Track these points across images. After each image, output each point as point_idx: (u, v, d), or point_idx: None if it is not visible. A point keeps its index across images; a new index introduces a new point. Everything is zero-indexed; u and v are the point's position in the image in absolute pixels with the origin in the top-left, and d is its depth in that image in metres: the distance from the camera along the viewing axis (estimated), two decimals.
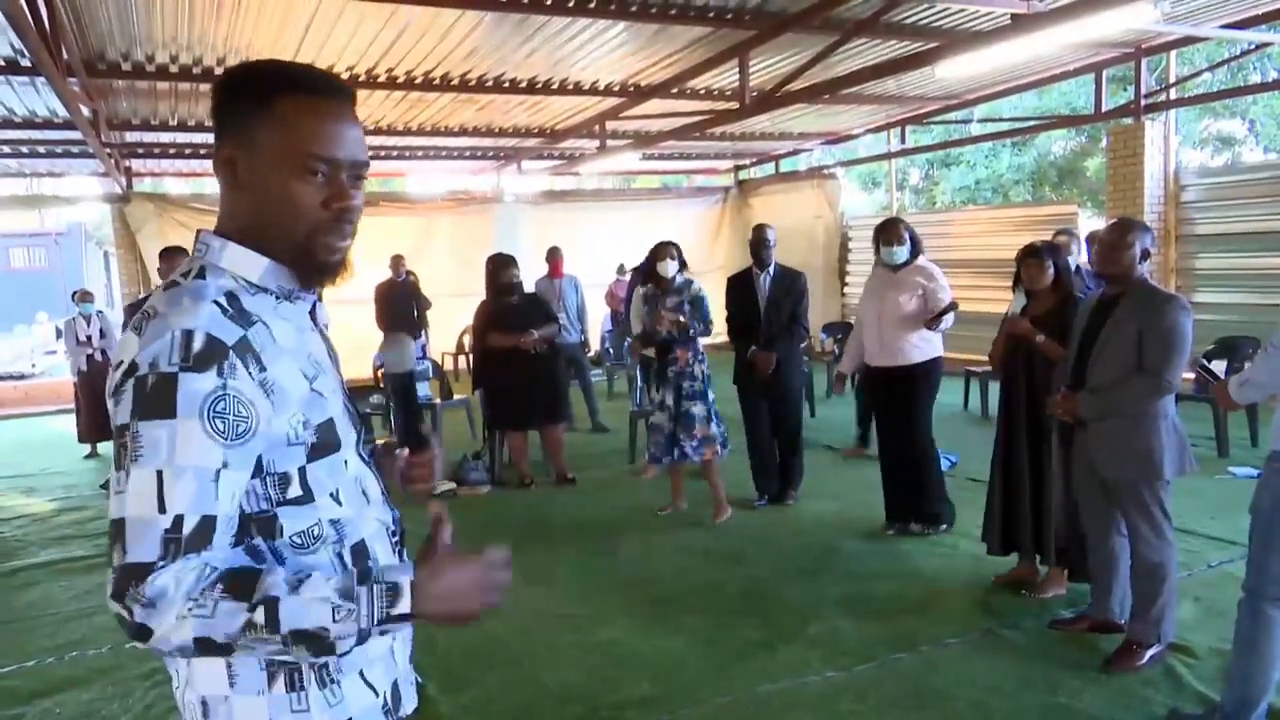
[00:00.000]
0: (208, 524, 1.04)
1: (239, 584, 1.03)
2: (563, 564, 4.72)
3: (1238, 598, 2.69)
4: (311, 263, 1.19)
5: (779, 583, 4.29)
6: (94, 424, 7.88)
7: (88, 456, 8.16)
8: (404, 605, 1.07)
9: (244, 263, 1.17)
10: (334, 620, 1.04)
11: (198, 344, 1.05)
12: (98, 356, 7.86)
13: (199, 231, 1.22)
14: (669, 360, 5.19)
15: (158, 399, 1.03)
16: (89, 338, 7.94)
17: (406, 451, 1.38)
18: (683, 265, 5.38)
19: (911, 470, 4.82)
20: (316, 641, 1.04)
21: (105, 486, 6.78)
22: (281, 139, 1.13)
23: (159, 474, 1.02)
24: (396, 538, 1.34)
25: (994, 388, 6.63)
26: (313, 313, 1.27)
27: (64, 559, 5.18)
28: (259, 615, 1.02)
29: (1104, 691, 3.09)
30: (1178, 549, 3.28)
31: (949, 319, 4.66)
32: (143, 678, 3.52)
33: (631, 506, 5.71)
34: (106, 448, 8.15)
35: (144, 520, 1.02)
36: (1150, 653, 3.23)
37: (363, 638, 1.07)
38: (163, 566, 1.01)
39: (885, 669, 3.36)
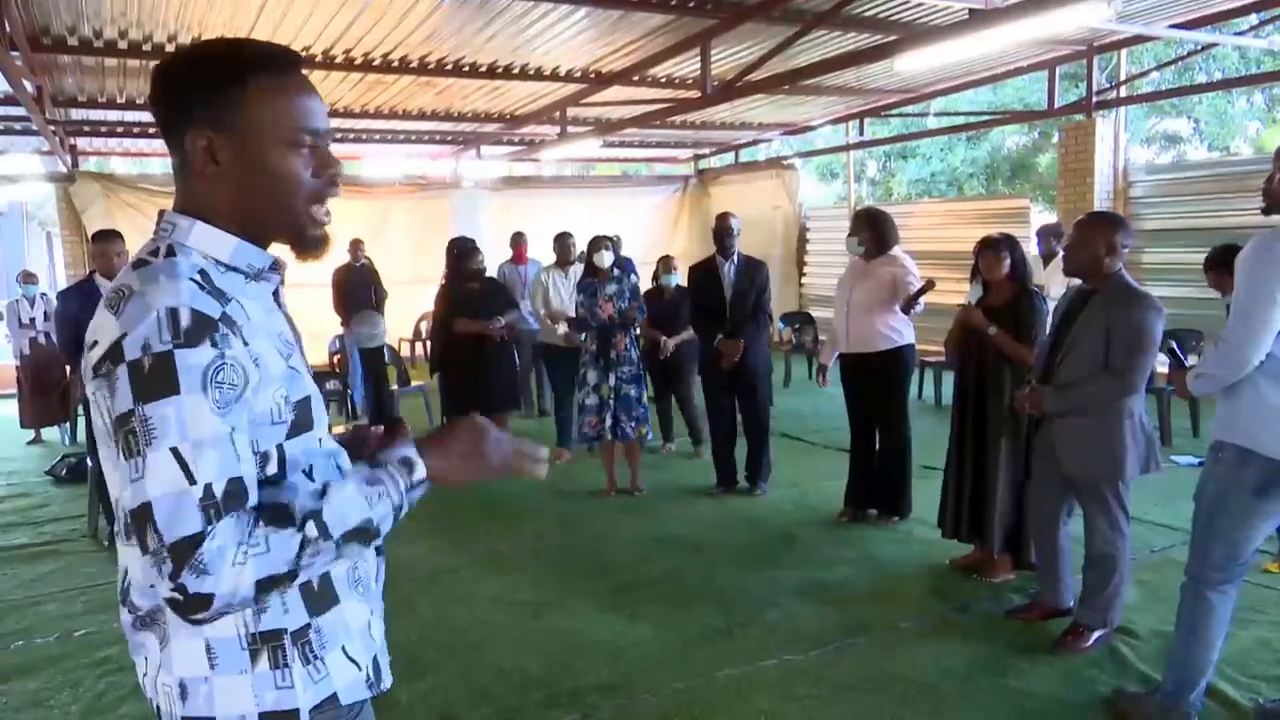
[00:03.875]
0: (237, 484, 1.05)
1: (275, 515, 1.06)
2: (521, 551, 4.72)
3: (1180, 582, 2.78)
4: (305, 235, 1.23)
5: (736, 569, 4.34)
6: (37, 409, 7.68)
7: (31, 442, 7.94)
8: (420, 472, 1.18)
9: (213, 242, 1.17)
10: (371, 508, 1.13)
11: (185, 320, 1.05)
12: (41, 340, 7.65)
13: (162, 212, 1.21)
14: (609, 345, 5.39)
15: (158, 379, 1.03)
16: (32, 320, 7.73)
17: (381, 429, 1.38)
18: (618, 256, 5.59)
19: (885, 461, 4.88)
20: (364, 534, 1.13)
21: (50, 473, 6.62)
22: (271, 118, 1.15)
23: (175, 450, 1.02)
24: None
25: (948, 377, 6.76)
26: (276, 295, 1.28)
27: (8, 547, 5.04)
28: (310, 530, 1.07)
29: (1051, 673, 3.18)
30: (1130, 541, 3.35)
31: (922, 303, 4.65)
32: (92, 666, 3.45)
33: (588, 493, 5.73)
34: (50, 434, 7.96)
35: (175, 495, 1.02)
36: (1096, 635, 3.33)
37: (398, 513, 1.17)
38: (210, 533, 1.02)
39: (841, 653, 3.42)
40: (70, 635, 3.75)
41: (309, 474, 1.21)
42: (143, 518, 1.02)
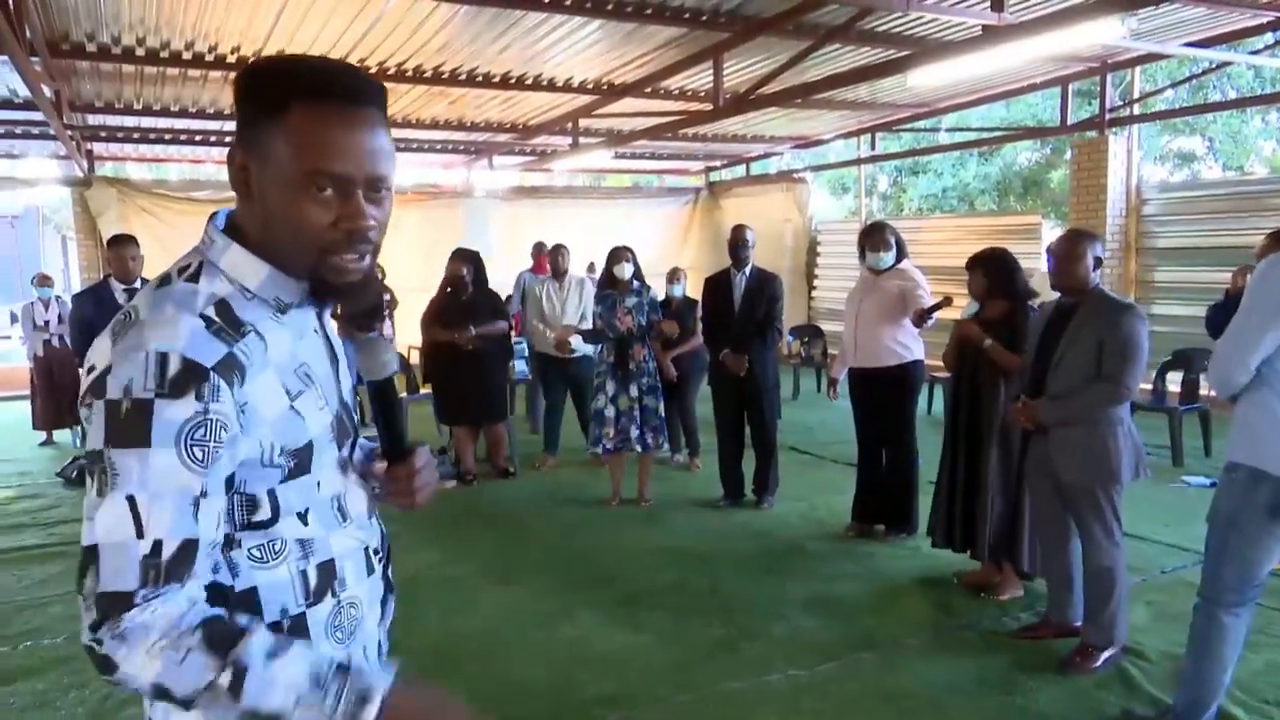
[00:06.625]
0: (189, 548, 1.00)
1: (218, 638, 0.98)
2: (527, 560, 4.71)
3: (1192, 603, 2.76)
4: (324, 284, 1.12)
5: (743, 582, 4.33)
6: (50, 411, 7.72)
7: (43, 444, 7.98)
8: (369, 714, 1.01)
9: (243, 268, 1.11)
10: (294, 709, 0.99)
11: (173, 368, 0.99)
12: (55, 342, 7.71)
13: (212, 215, 1.16)
14: (627, 357, 5.40)
15: (132, 427, 0.98)
16: (47, 323, 7.78)
17: (385, 465, 1.28)
18: (638, 269, 5.60)
19: (892, 477, 4.86)
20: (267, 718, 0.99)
21: (61, 474, 6.65)
22: (290, 152, 1.05)
23: (131, 499, 0.97)
24: (381, 557, 1.30)
25: None
26: (321, 314, 1.23)
27: (17, 548, 5.06)
28: (224, 678, 0.97)
29: (1059, 692, 3.16)
30: (1125, 552, 3.35)
31: (934, 317, 4.62)
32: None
33: (595, 502, 5.73)
34: (62, 435, 8.00)
35: (120, 546, 0.97)
36: (1105, 655, 3.30)
37: None
38: (146, 597, 0.97)
39: (847, 668, 3.40)
40: (77, 637, 3.74)
41: (303, 517, 1.16)
42: (87, 560, 0.98)
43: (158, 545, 0.98)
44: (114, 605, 0.97)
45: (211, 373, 1.01)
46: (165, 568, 0.98)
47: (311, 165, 1.05)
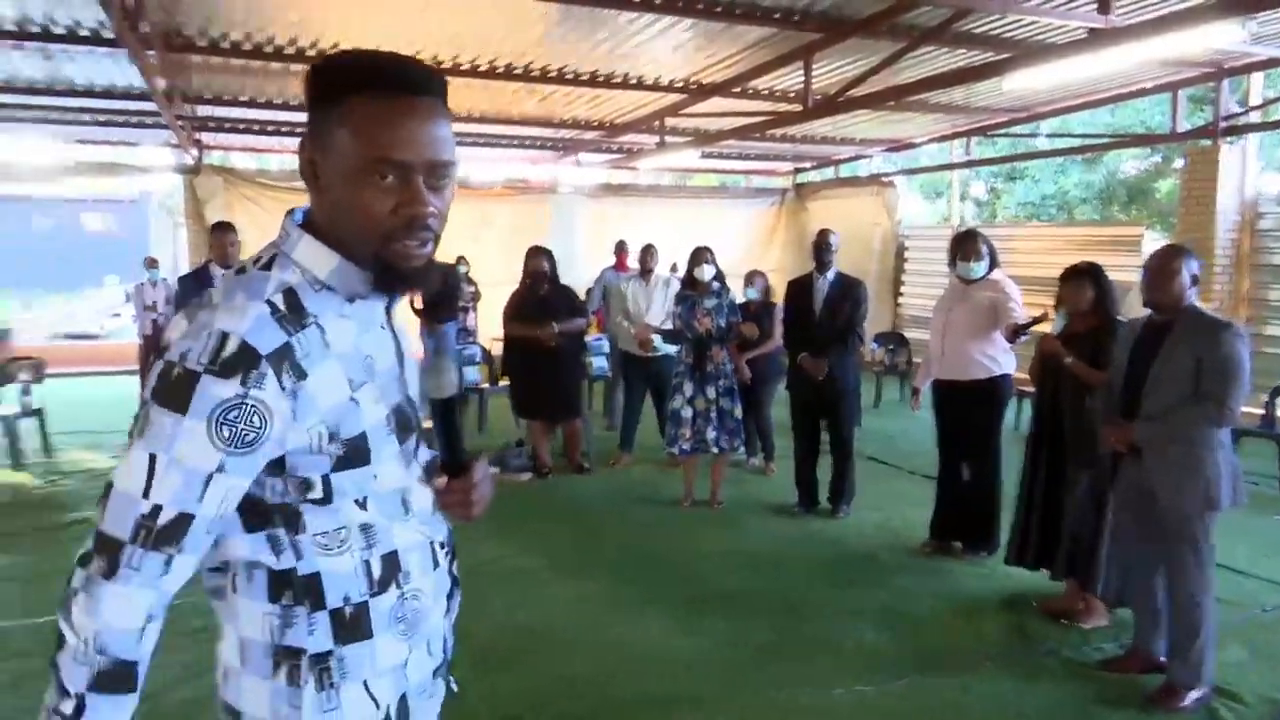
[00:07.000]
0: (183, 521, 1.05)
1: (107, 680, 1.05)
2: (600, 557, 4.74)
3: None
4: (389, 272, 1.14)
5: (815, 591, 4.26)
6: None
7: None
8: None
9: (314, 258, 1.15)
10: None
11: (229, 349, 1.04)
12: (161, 321, 8.12)
13: (290, 210, 1.20)
14: (705, 358, 5.40)
15: (176, 390, 1.04)
16: (154, 303, 8.20)
17: (444, 480, 1.30)
18: (719, 271, 5.60)
19: (973, 493, 4.72)
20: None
21: None
22: (351, 142, 1.09)
23: (152, 458, 1.03)
24: (446, 551, 1.32)
25: None
26: (389, 307, 1.25)
27: None
28: (68, 706, 1.05)
29: None
30: (1216, 584, 3.18)
31: (1027, 334, 4.45)
32: (186, 634, 3.57)
33: (669, 503, 5.72)
34: None
35: (127, 497, 1.04)
36: (1194, 695, 3.13)
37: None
38: (130, 558, 1.04)
39: (916, 687, 3.31)
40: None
41: (362, 504, 1.18)
42: (106, 493, 1.07)
43: (156, 509, 1.04)
44: (104, 547, 1.05)
45: (264, 360, 1.05)
46: (157, 533, 1.04)
47: (371, 153, 1.09)
